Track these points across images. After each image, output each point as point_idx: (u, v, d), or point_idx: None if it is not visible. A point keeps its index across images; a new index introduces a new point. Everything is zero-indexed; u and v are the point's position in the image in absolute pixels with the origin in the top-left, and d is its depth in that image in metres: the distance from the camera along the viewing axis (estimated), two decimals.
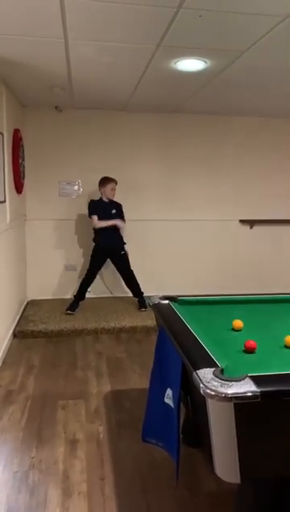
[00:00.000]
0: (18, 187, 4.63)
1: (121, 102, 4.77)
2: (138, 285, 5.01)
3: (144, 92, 4.28)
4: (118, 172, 5.07)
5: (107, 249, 4.89)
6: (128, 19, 2.53)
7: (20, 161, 4.71)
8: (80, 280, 5.01)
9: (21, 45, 2.98)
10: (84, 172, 5.31)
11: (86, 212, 4.89)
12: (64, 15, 2.48)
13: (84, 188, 5.34)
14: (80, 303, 4.95)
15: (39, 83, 3.99)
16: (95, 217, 4.81)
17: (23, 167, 4.97)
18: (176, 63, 3.31)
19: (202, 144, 5.48)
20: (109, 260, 5.02)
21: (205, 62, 3.28)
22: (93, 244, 4.95)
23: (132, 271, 4.97)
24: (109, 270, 5.25)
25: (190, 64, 3.33)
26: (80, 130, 5.25)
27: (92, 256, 4.95)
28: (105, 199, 4.88)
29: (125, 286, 5.14)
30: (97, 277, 5.07)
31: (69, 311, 4.84)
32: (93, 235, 4.96)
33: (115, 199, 4.95)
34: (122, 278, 5.09)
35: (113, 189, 4.87)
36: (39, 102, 4.83)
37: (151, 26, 2.61)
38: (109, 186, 4.83)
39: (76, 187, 5.36)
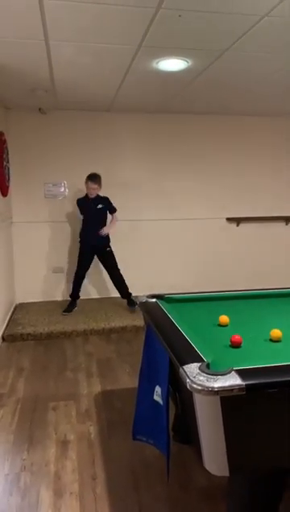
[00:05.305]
0: (3, 189, 4.61)
1: (105, 103, 4.77)
2: (126, 286, 4.99)
3: (128, 93, 4.29)
4: (104, 172, 5.04)
5: (91, 245, 4.87)
6: (108, 20, 2.54)
7: (5, 163, 4.69)
8: (72, 282, 5.04)
9: (1, 47, 2.97)
10: (69, 173, 5.30)
11: (73, 213, 4.87)
12: (44, 16, 2.48)
13: (69, 190, 5.33)
14: (77, 301, 5.04)
15: (22, 85, 3.97)
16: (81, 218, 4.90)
17: (8, 169, 4.95)
18: (157, 63, 3.33)
19: (187, 143, 5.51)
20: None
21: (187, 62, 3.30)
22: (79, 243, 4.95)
23: (119, 270, 4.95)
24: (96, 270, 5.25)
25: (172, 64, 3.35)
26: (64, 131, 5.24)
27: (79, 254, 4.95)
28: (89, 195, 4.83)
29: (112, 287, 5.12)
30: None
31: (65, 313, 4.88)
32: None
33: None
34: (110, 279, 5.05)
35: (93, 188, 4.76)
36: (23, 104, 4.81)
37: (131, 26, 2.62)
38: (87, 185, 4.76)
39: (62, 189, 5.34)
